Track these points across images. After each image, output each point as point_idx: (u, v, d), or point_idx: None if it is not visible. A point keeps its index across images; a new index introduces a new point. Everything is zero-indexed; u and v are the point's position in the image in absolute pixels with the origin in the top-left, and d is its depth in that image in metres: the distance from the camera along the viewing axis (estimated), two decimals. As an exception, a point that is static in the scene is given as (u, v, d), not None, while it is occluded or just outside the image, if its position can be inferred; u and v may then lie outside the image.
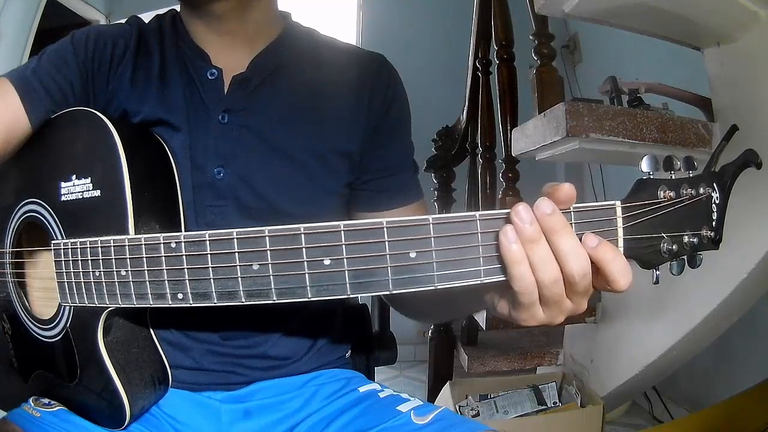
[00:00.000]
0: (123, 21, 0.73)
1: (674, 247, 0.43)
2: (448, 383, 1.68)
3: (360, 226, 0.42)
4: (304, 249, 0.43)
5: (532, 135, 1.32)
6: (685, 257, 0.44)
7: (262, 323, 0.67)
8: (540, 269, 0.41)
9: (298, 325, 0.70)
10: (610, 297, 1.59)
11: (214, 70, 0.67)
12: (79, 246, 0.55)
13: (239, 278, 0.45)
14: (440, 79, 2.67)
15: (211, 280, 0.46)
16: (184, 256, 0.47)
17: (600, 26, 1.32)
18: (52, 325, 0.61)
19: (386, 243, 0.42)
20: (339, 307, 0.77)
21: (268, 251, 0.44)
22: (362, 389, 0.70)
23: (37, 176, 0.64)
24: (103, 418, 0.59)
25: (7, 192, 0.67)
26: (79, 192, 0.58)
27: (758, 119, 1.08)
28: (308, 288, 0.43)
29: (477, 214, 0.42)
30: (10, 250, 0.67)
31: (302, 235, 0.43)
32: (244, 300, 0.45)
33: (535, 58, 1.52)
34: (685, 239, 0.43)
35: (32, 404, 0.63)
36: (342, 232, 0.42)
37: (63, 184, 0.59)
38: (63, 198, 0.59)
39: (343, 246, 0.42)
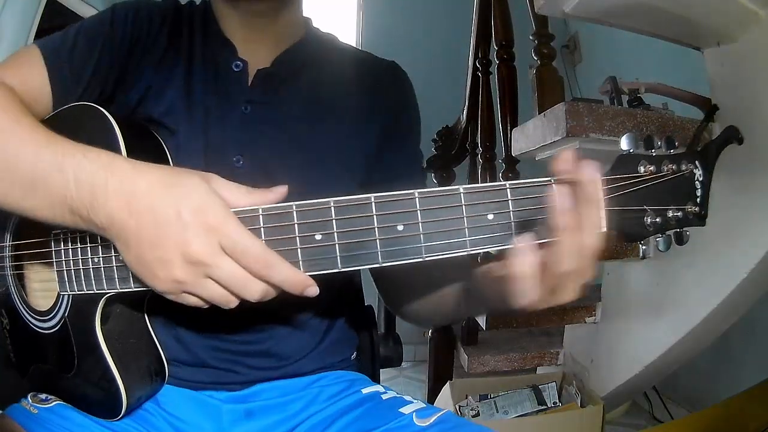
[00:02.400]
0: None
1: (658, 219, 0.44)
2: (448, 383, 1.68)
3: (349, 201, 0.44)
4: (296, 225, 0.45)
5: (532, 135, 1.32)
6: (671, 233, 0.45)
7: (265, 318, 0.67)
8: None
9: (303, 323, 0.70)
10: (610, 297, 1.59)
11: (239, 62, 0.69)
12: (78, 233, 0.55)
13: None
14: (440, 79, 2.67)
15: None
16: None
17: (600, 26, 1.32)
18: (50, 315, 0.61)
19: (374, 217, 0.43)
20: (345, 307, 0.77)
21: (262, 228, 0.45)
22: (365, 391, 0.70)
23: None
24: (99, 408, 0.60)
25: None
26: None
27: (758, 119, 1.08)
28: (300, 263, 0.45)
29: (461, 187, 0.43)
30: (10, 243, 0.67)
31: (294, 212, 0.45)
32: None
33: (535, 58, 1.52)
34: (670, 213, 0.44)
35: (30, 400, 0.63)
36: (332, 207, 0.44)
37: None
38: None
39: (333, 221, 0.44)
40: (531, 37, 1.54)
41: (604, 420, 1.45)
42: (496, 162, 1.85)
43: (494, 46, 1.78)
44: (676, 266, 1.32)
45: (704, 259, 1.22)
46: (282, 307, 0.66)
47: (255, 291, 0.45)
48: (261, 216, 0.45)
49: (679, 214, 0.44)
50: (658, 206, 0.44)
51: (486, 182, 1.84)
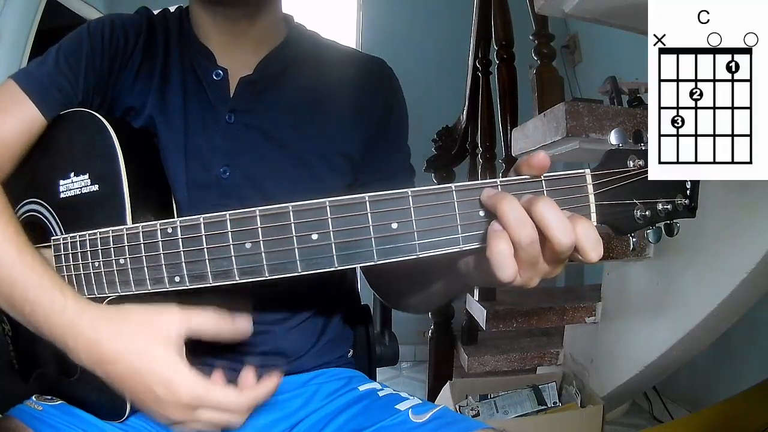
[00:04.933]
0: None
1: (648, 213, 0.44)
2: (448, 383, 1.69)
3: (344, 201, 0.45)
4: (292, 225, 0.45)
5: (532, 135, 1.32)
6: (661, 225, 0.45)
7: (265, 319, 0.67)
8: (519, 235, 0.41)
9: (301, 322, 0.70)
10: (610, 297, 1.59)
11: (219, 71, 0.68)
12: (78, 239, 0.55)
13: (233, 257, 0.47)
14: (440, 79, 2.68)
15: (206, 261, 0.48)
16: (180, 240, 0.48)
17: (600, 26, 1.32)
18: (52, 320, 0.61)
19: (369, 215, 0.44)
20: (340, 305, 0.77)
21: (259, 229, 0.46)
22: (362, 388, 0.70)
23: (37, 177, 0.64)
24: (104, 410, 0.59)
25: (7, 194, 0.67)
26: (77, 188, 0.58)
27: (758, 119, 1.08)
28: (298, 262, 0.46)
29: (453, 185, 0.44)
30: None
31: (290, 213, 0.45)
32: (238, 278, 0.47)
33: (535, 58, 1.52)
34: (659, 206, 0.44)
35: (34, 399, 0.63)
36: (327, 207, 0.45)
37: (62, 182, 0.59)
38: (62, 195, 0.59)
39: (329, 220, 0.45)
40: (531, 37, 1.54)
41: (604, 420, 1.45)
42: (496, 162, 1.86)
43: (494, 46, 1.78)
44: (676, 266, 1.32)
45: (704, 259, 1.22)
46: (280, 306, 0.66)
47: (241, 420, 0.53)
48: (258, 217, 0.46)
49: (668, 206, 0.44)
50: (647, 199, 0.44)
51: (485, 182, 1.85)
